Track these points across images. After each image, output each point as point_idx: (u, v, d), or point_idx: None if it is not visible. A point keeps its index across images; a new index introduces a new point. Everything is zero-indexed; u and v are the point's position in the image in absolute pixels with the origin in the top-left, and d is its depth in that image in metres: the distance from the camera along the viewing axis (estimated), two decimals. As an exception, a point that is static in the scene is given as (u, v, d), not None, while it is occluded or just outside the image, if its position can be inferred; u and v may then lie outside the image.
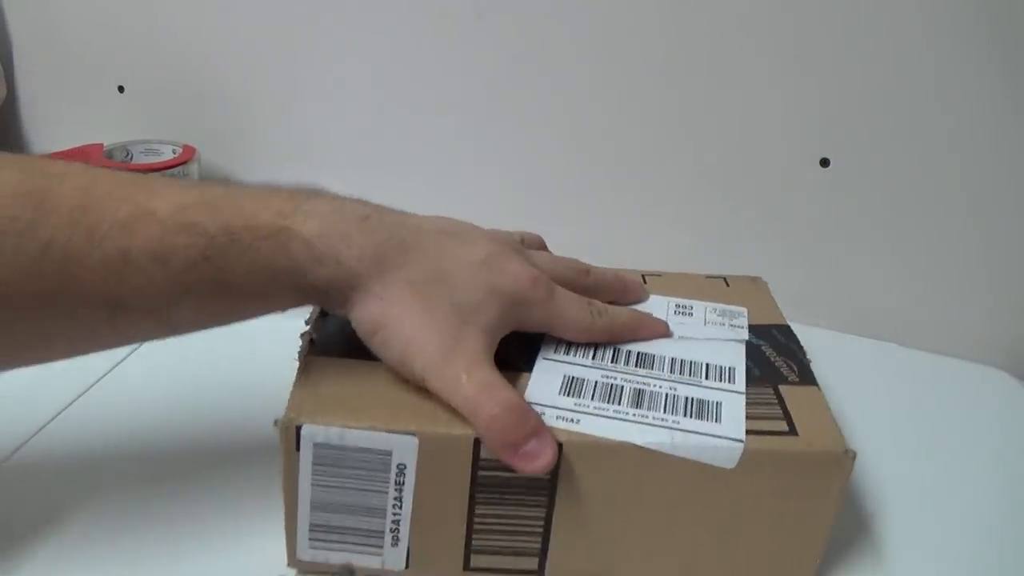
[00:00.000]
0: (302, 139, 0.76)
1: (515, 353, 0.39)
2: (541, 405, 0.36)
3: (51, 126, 0.86)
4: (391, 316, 0.36)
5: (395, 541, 0.36)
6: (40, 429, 0.48)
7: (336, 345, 0.39)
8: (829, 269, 0.64)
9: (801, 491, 0.36)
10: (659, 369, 0.40)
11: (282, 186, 0.38)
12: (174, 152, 0.75)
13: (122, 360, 0.54)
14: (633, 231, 0.69)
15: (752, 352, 0.42)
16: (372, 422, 0.35)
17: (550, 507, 0.36)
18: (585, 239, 0.70)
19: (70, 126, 0.82)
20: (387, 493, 0.35)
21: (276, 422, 0.34)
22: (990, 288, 0.61)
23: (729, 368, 0.41)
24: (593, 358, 0.41)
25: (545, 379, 0.38)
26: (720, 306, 0.47)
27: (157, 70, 0.79)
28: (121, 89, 0.81)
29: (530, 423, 0.35)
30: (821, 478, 0.36)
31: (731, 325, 0.45)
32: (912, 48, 0.56)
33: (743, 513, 0.36)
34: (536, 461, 0.34)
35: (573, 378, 0.39)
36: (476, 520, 0.36)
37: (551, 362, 0.40)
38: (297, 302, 0.37)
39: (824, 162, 0.61)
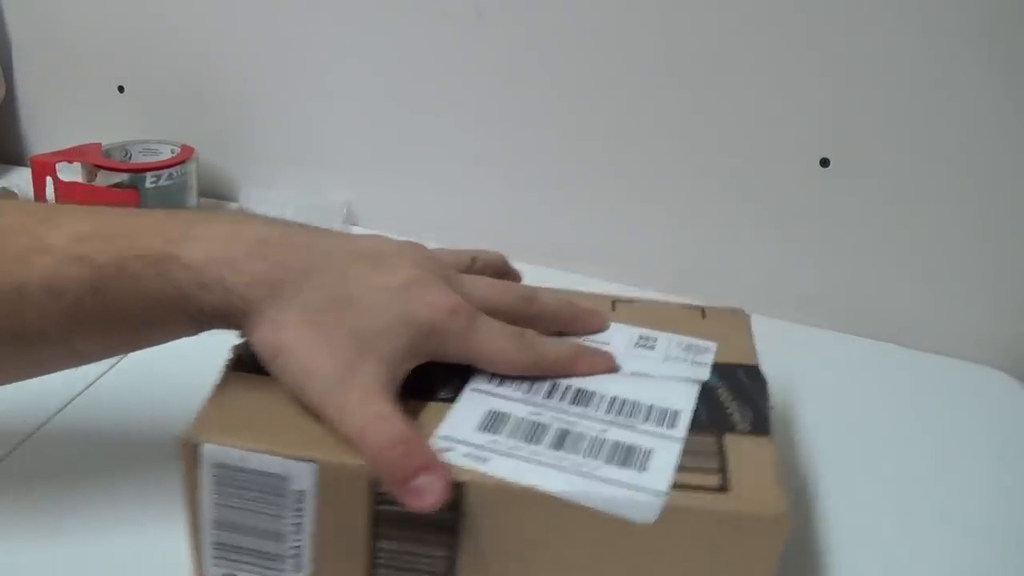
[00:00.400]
0: (301, 139, 0.76)
1: (443, 382, 0.38)
2: (450, 440, 0.34)
3: (51, 126, 0.86)
4: (286, 343, 0.35)
5: (297, 567, 0.35)
6: (35, 431, 0.48)
7: (258, 368, 0.37)
8: (829, 269, 0.64)
9: (729, 555, 0.33)
10: (595, 408, 0.37)
11: (194, 210, 0.38)
12: (172, 152, 0.75)
13: (117, 363, 0.54)
14: (633, 231, 0.68)
15: (706, 394, 0.39)
16: (272, 446, 0.33)
17: (454, 548, 0.34)
18: (585, 239, 0.70)
19: (69, 126, 0.82)
20: (286, 519, 0.34)
21: (179, 438, 0.34)
22: (990, 288, 0.60)
23: (673, 412, 0.37)
24: (528, 391, 0.38)
25: (467, 412, 0.36)
26: (687, 340, 0.43)
27: (157, 70, 0.79)
28: (121, 89, 0.81)
29: (419, 458, 0.33)
30: (752, 543, 0.32)
31: (693, 362, 0.41)
32: (912, 48, 0.56)
33: (664, 574, 0.33)
34: (424, 498, 0.32)
35: (497, 413, 0.36)
36: (378, 554, 0.34)
37: (479, 394, 0.38)
38: (197, 328, 0.37)
39: (824, 162, 0.61)
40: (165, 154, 0.75)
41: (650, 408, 0.37)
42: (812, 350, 0.61)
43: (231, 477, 0.34)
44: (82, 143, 0.75)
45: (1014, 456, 0.52)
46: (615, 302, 0.46)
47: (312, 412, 0.35)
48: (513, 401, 0.37)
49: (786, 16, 0.59)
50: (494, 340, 0.38)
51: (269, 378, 0.36)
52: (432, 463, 0.33)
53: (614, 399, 0.38)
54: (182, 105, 0.79)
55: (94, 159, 0.72)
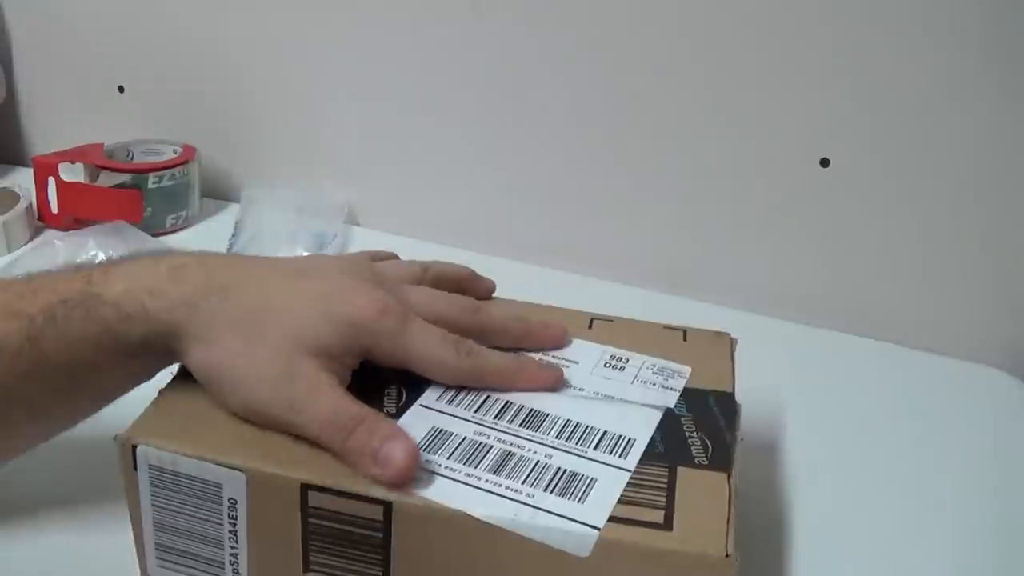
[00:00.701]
0: (302, 138, 0.76)
1: (393, 398, 0.37)
2: None
3: (51, 126, 0.86)
4: (219, 361, 0.35)
5: (236, 574, 0.35)
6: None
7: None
8: (829, 269, 0.64)
9: None
10: (545, 431, 0.36)
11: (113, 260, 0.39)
12: (175, 152, 0.75)
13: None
14: (633, 230, 0.69)
15: (668, 423, 0.37)
16: (204, 452, 0.33)
17: (386, 567, 0.33)
18: (585, 239, 0.70)
19: (70, 126, 0.82)
20: (222, 525, 0.34)
21: (116, 437, 0.34)
22: (990, 288, 0.61)
23: (628, 439, 0.36)
24: (477, 411, 0.37)
25: (409, 429, 0.35)
26: (661, 362, 0.41)
27: (157, 70, 0.79)
28: (121, 89, 0.81)
29: (380, 431, 0.33)
30: None
31: (663, 386, 0.39)
32: (912, 48, 0.56)
33: None
34: (391, 466, 0.32)
35: (440, 431, 0.35)
36: (313, 567, 0.34)
37: (426, 410, 0.37)
38: (140, 366, 0.37)
39: (824, 162, 0.61)
40: (167, 154, 0.75)
41: (603, 434, 0.36)
42: (812, 350, 0.61)
43: (167, 481, 0.34)
44: (83, 143, 0.75)
45: (1014, 456, 0.52)
46: (593, 320, 0.45)
47: (260, 423, 0.35)
48: (460, 420, 0.36)
49: (786, 16, 0.59)
50: (429, 343, 0.37)
51: None
52: (394, 432, 0.33)
53: (567, 422, 0.36)
54: (183, 105, 0.79)
55: (96, 159, 0.73)
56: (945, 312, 0.62)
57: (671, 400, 0.38)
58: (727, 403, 0.39)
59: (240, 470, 0.33)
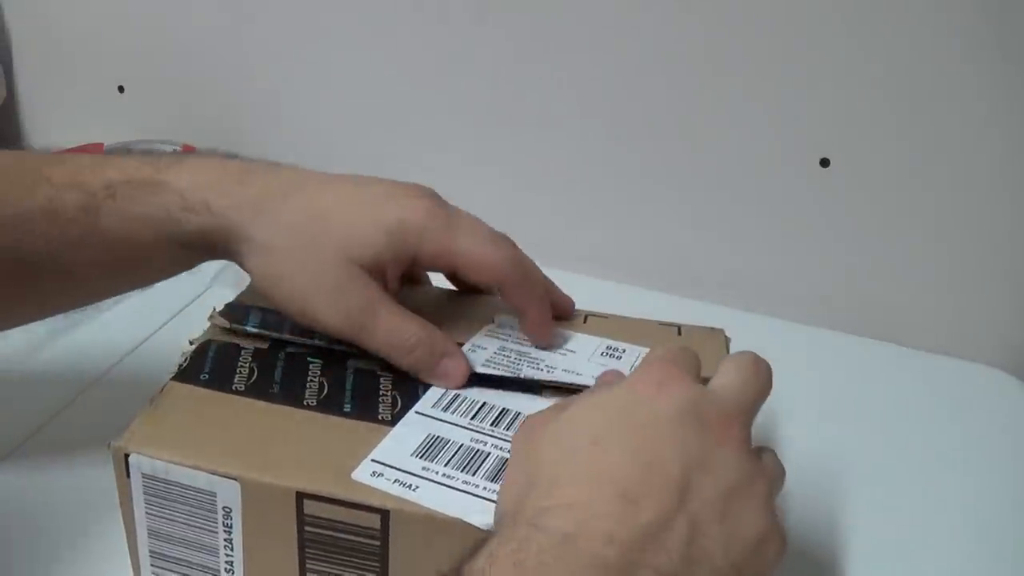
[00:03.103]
0: (302, 138, 0.76)
1: (389, 403, 0.37)
2: (382, 464, 0.34)
3: (51, 126, 0.86)
4: (280, 269, 0.37)
5: None
6: (32, 434, 0.48)
7: (208, 374, 0.38)
8: (829, 269, 0.64)
9: None
10: None
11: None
12: (175, 151, 0.75)
13: (116, 364, 0.54)
14: (633, 231, 0.69)
15: None
16: (198, 461, 0.33)
17: (384, 574, 0.33)
18: (585, 239, 0.70)
19: (70, 126, 0.82)
20: (217, 533, 0.34)
21: (109, 445, 0.34)
22: (990, 288, 0.61)
23: None
24: (473, 417, 0.37)
25: (405, 436, 0.35)
26: None
27: (157, 70, 0.79)
28: (121, 89, 0.81)
29: (439, 347, 0.37)
30: None
31: None
32: (912, 48, 0.56)
33: None
34: (451, 378, 0.37)
35: (437, 438, 0.35)
36: (310, 575, 0.34)
37: (422, 417, 0.37)
38: (187, 255, 0.39)
39: (824, 162, 0.61)
40: (166, 154, 0.75)
41: None
42: (812, 350, 0.61)
43: (161, 489, 0.34)
44: (83, 143, 0.75)
45: (1014, 455, 0.52)
46: (587, 316, 0.45)
47: (319, 329, 0.38)
48: (457, 427, 0.36)
49: (786, 16, 0.58)
50: (476, 240, 0.39)
51: (210, 391, 0.37)
52: (451, 349, 0.38)
53: None
54: (183, 105, 0.79)
55: (95, 159, 0.73)
56: (945, 312, 0.62)
57: None
58: None
59: (234, 479, 0.33)
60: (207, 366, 0.38)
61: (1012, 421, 0.55)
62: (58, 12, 0.80)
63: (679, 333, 0.44)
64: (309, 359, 0.39)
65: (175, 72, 0.78)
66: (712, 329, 0.44)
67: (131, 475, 0.34)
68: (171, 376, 0.38)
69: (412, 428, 0.36)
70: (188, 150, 0.75)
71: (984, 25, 0.55)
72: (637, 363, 0.40)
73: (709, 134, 0.64)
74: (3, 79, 0.84)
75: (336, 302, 0.37)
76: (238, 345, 0.40)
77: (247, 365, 0.39)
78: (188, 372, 0.38)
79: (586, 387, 0.38)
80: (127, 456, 0.34)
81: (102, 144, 0.75)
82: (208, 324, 0.41)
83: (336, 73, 0.73)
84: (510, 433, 0.36)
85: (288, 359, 0.39)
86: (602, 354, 0.41)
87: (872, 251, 0.63)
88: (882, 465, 0.50)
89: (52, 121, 0.86)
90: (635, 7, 0.62)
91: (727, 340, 0.43)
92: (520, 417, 0.37)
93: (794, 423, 0.52)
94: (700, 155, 0.64)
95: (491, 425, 0.36)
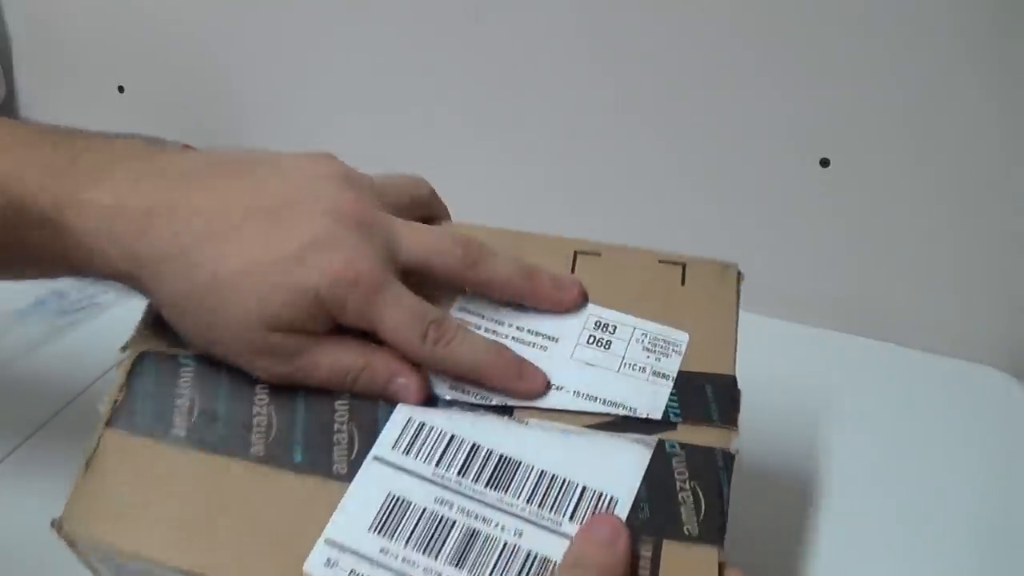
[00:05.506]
0: (302, 139, 0.76)
1: (344, 445, 0.33)
2: (337, 547, 0.30)
3: (51, 126, 0.86)
4: (194, 330, 0.35)
5: None
6: (33, 433, 0.48)
7: (144, 414, 0.34)
8: (829, 269, 0.64)
9: None
10: (516, 491, 0.32)
11: (96, 148, 0.36)
12: (174, 152, 0.75)
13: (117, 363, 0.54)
14: (632, 231, 0.68)
15: (657, 467, 0.32)
16: (139, 547, 0.31)
17: None
18: (580, 238, 0.70)
19: (70, 126, 0.82)
20: None
21: (53, 523, 0.32)
22: (990, 288, 0.60)
23: (610, 499, 0.31)
24: (438, 463, 0.32)
25: (362, 499, 0.31)
26: (654, 330, 0.36)
27: (157, 70, 0.79)
28: (121, 89, 0.81)
29: (381, 374, 0.34)
30: None
31: (654, 373, 0.35)
32: (912, 48, 0.56)
33: None
34: (405, 399, 0.34)
35: (397, 501, 0.31)
36: None
37: (381, 466, 0.32)
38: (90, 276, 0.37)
39: (824, 162, 0.61)
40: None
41: (581, 492, 0.32)
42: (812, 350, 0.61)
43: (113, 564, 0.32)
44: (83, 143, 0.75)
45: (1013, 456, 0.52)
46: (577, 254, 0.39)
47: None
48: (419, 479, 0.32)
49: (786, 16, 0.58)
50: (397, 323, 0.34)
51: (148, 442, 0.33)
52: (397, 369, 0.34)
53: (541, 475, 0.32)
54: (183, 105, 0.79)
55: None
56: (945, 312, 0.62)
57: (662, 398, 0.34)
58: (726, 394, 0.34)
59: (180, 572, 0.31)
60: (142, 403, 0.34)
61: (1012, 421, 0.55)
62: (58, 12, 0.80)
63: (683, 281, 0.38)
64: (256, 381, 0.35)
65: (175, 72, 0.78)
66: (724, 266, 0.39)
67: (81, 548, 0.32)
68: (104, 419, 0.34)
69: (369, 486, 0.32)
70: (187, 150, 0.75)
71: (984, 25, 0.54)
72: (629, 353, 0.35)
73: (708, 134, 0.64)
74: (3, 79, 0.84)
75: (259, 360, 0.34)
76: (176, 359, 0.35)
77: (186, 395, 0.34)
78: (123, 413, 0.34)
79: (563, 413, 0.34)
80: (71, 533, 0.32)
81: (102, 144, 0.75)
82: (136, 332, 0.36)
83: (336, 73, 0.73)
84: (479, 487, 0.32)
85: (232, 383, 0.35)
86: (589, 340, 0.36)
87: (872, 251, 0.63)
88: (881, 465, 0.50)
89: (52, 121, 0.85)
90: (635, 6, 0.62)
91: (739, 278, 0.39)
92: (492, 458, 0.33)
93: (793, 423, 0.52)
94: (700, 155, 0.64)
95: (458, 474, 0.32)
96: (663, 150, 0.65)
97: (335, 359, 0.34)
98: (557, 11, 0.64)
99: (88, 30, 0.79)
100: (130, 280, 0.35)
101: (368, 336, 0.35)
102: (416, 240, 0.36)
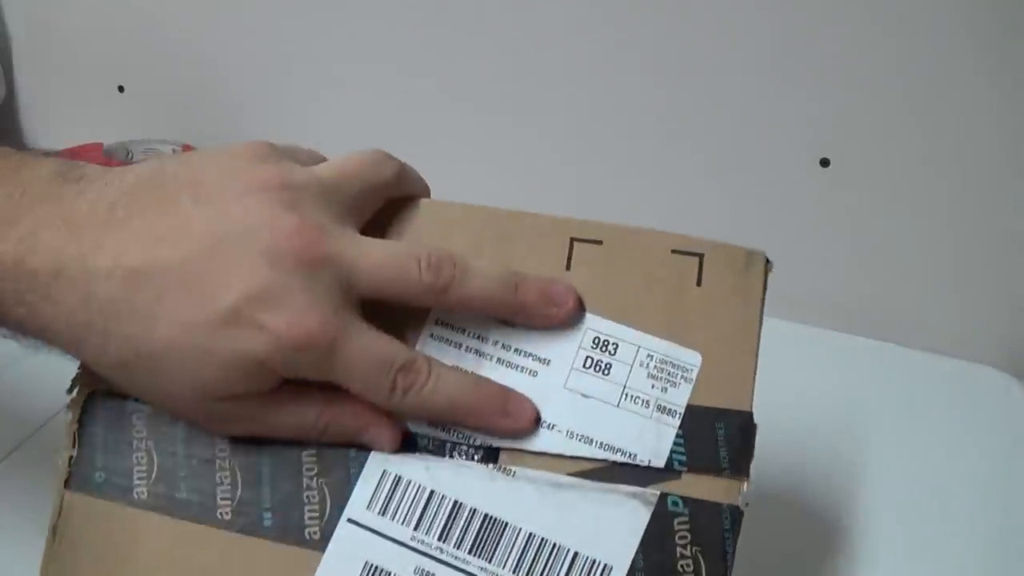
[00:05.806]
0: (302, 139, 0.76)
1: (307, 507, 0.31)
2: None
3: (51, 126, 0.86)
4: (137, 393, 0.32)
5: None
6: (33, 434, 0.48)
7: (102, 472, 0.32)
8: (829, 269, 0.64)
9: None
10: (502, 559, 0.29)
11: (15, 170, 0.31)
12: (174, 151, 0.75)
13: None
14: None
15: (657, 529, 0.29)
16: None
17: None
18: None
19: (70, 126, 0.82)
20: None
21: None
22: (990, 288, 0.60)
23: (603, 566, 0.29)
24: (417, 525, 0.30)
25: (338, 570, 0.29)
26: (660, 349, 0.31)
27: (157, 70, 0.79)
28: (121, 89, 0.81)
29: (349, 427, 0.31)
30: None
31: (659, 407, 0.31)
32: (912, 47, 0.56)
33: None
34: (379, 447, 0.32)
35: (376, 571, 0.29)
36: None
37: (356, 529, 0.30)
38: None
39: (824, 162, 0.61)
40: (167, 154, 0.75)
41: (573, 560, 0.29)
42: (812, 350, 0.61)
43: None
44: (83, 143, 0.75)
45: (1013, 456, 0.52)
46: (574, 242, 0.34)
47: None
48: (397, 545, 0.30)
49: (786, 15, 0.58)
50: (361, 374, 0.30)
51: (110, 504, 0.31)
52: (366, 421, 0.31)
53: (529, 539, 0.29)
54: (183, 105, 0.79)
55: (96, 159, 0.72)
56: (945, 312, 0.62)
57: (667, 441, 0.30)
58: (740, 435, 0.30)
59: None
60: (99, 459, 0.32)
61: (1012, 421, 0.55)
62: (58, 12, 0.80)
63: (700, 272, 0.33)
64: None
65: (175, 72, 0.78)
66: (749, 255, 0.33)
67: None
68: (62, 478, 0.32)
69: (345, 556, 0.30)
70: (187, 150, 0.75)
71: (985, 25, 0.55)
72: (631, 380, 0.31)
73: (708, 134, 0.64)
74: (3, 79, 0.83)
75: (213, 425, 0.31)
76: (126, 401, 0.32)
77: (142, 448, 0.32)
78: (80, 471, 0.32)
79: (554, 458, 0.30)
80: None
81: (101, 144, 0.75)
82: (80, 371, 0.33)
83: (337, 73, 0.73)
84: (462, 552, 0.29)
85: (188, 429, 0.32)
86: (585, 364, 0.32)
87: (872, 251, 0.63)
88: (882, 465, 0.50)
89: (52, 121, 0.85)
90: (634, 6, 0.62)
91: (767, 268, 0.33)
92: (476, 518, 0.30)
93: (792, 423, 0.52)
94: (699, 155, 0.64)
95: (439, 539, 0.30)
96: (662, 150, 0.65)
97: (297, 419, 0.31)
98: (558, 8, 0.64)
99: (88, 30, 0.79)
100: (52, 345, 0.31)
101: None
102: (375, 265, 0.31)
